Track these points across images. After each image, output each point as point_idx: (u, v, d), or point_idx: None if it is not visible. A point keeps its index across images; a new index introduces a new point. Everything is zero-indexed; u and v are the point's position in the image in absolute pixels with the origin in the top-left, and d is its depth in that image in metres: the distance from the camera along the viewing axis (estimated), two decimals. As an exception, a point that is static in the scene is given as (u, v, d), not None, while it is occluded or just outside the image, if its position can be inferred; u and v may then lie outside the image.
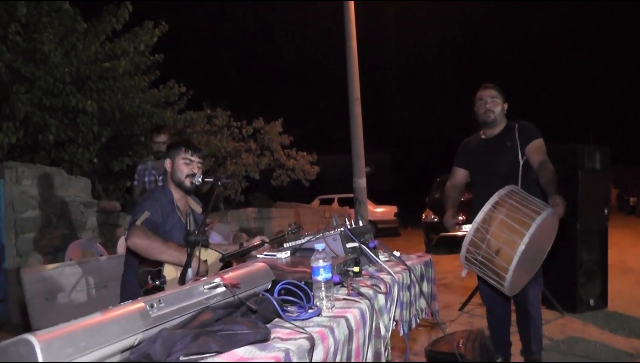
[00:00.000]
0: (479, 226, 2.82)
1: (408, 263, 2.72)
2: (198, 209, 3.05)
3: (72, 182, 6.50)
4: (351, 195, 16.12)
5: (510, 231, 2.74)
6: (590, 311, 5.16)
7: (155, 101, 7.30)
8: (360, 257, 2.51)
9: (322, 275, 1.73)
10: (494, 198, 2.85)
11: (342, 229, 2.46)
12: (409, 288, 2.52)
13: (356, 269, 2.19)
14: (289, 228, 2.99)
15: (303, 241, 2.52)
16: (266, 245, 2.90)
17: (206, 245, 2.54)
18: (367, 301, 1.83)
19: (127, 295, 2.75)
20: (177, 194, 2.86)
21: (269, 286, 1.85)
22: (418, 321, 2.70)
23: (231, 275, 1.70)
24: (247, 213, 12.11)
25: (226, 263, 2.68)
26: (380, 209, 18.54)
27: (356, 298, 1.83)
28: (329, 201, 20.59)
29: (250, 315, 1.54)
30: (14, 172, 5.84)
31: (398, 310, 2.30)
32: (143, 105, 6.91)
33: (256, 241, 2.97)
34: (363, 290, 1.99)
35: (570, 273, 5.26)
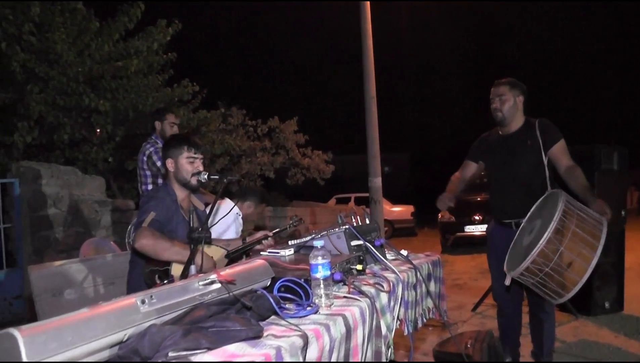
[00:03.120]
0: (552, 237, 2.64)
1: (415, 262, 2.68)
2: (201, 206, 3.04)
3: (87, 181, 6.56)
4: (368, 194, 16.08)
5: (583, 243, 2.65)
6: (605, 314, 5.05)
7: (168, 100, 7.33)
8: (366, 256, 2.50)
9: (321, 273, 1.70)
10: (561, 207, 2.67)
11: (347, 227, 2.43)
12: (414, 287, 2.47)
13: (359, 267, 2.16)
14: (291, 221, 2.97)
15: (307, 238, 2.49)
16: (270, 239, 2.90)
17: (209, 242, 2.53)
18: (367, 299, 1.80)
19: (133, 292, 2.75)
20: (181, 194, 2.85)
21: (268, 283, 1.83)
22: (425, 320, 2.66)
23: (228, 271, 1.68)
24: (262, 211, 12.15)
25: (232, 259, 2.68)
26: (397, 209, 18.44)
27: (356, 297, 1.80)
28: (346, 201, 20.53)
29: (245, 312, 1.52)
30: (29, 171, 5.91)
31: (402, 309, 2.27)
32: (156, 104, 6.94)
33: (259, 234, 2.96)
34: (365, 288, 1.96)
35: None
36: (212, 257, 2.58)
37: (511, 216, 3.26)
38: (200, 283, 1.54)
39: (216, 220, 3.90)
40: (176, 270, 2.42)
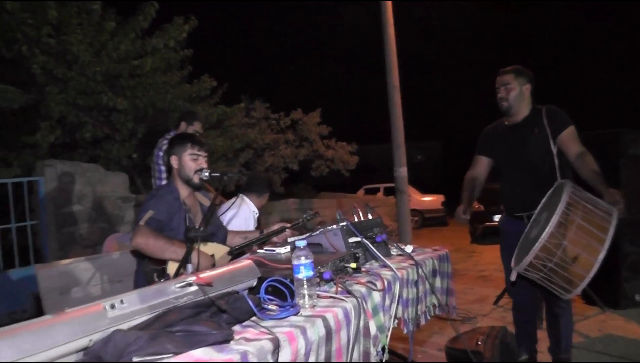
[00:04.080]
0: (554, 231, 2.54)
1: (421, 257, 2.63)
2: (207, 203, 3.03)
3: (110, 177, 6.67)
4: (399, 184, 15.91)
5: (589, 237, 2.53)
6: (635, 307, 4.86)
7: (186, 96, 7.38)
8: (366, 252, 2.45)
9: (303, 273, 1.67)
10: (565, 199, 2.56)
11: (345, 223, 2.39)
12: (416, 284, 2.41)
13: (353, 265, 2.11)
14: (305, 215, 2.93)
15: (304, 236, 2.46)
16: (287, 230, 2.87)
17: (206, 240, 2.52)
18: (354, 299, 1.76)
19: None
20: (184, 191, 2.84)
21: (254, 283, 1.81)
22: (429, 317, 2.60)
23: (209, 273, 1.67)
24: (287, 204, 12.17)
25: (238, 255, 2.66)
26: (427, 199, 18.25)
27: (342, 297, 1.76)
28: (375, 191, 20.38)
29: (221, 315, 1.50)
30: (53, 169, 6.05)
31: (400, 308, 2.22)
32: (175, 100, 7.00)
33: (275, 227, 2.93)
34: (355, 287, 1.92)
35: (612, 266, 4.98)
36: (211, 256, 2.56)
37: (522, 209, 3.15)
38: (177, 285, 1.53)
39: (234, 220, 3.91)
40: (172, 268, 2.43)
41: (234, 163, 11.90)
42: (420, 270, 2.45)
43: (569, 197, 2.57)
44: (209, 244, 2.77)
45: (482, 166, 3.47)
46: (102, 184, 6.57)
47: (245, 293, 1.69)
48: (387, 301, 2.10)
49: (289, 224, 2.87)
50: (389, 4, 10.60)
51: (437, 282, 2.71)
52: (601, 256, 2.47)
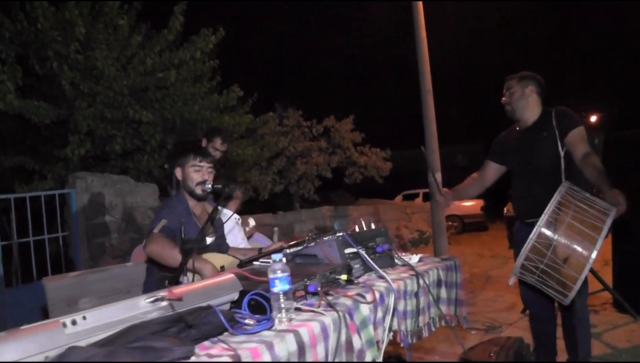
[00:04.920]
0: (542, 231, 2.51)
1: (424, 267, 2.56)
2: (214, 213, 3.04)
3: (140, 188, 6.81)
4: (441, 190, 15.71)
5: (580, 236, 2.44)
6: (672, 316, 4.60)
7: (214, 107, 7.48)
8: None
9: (278, 287, 1.64)
10: (555, 198, 2.53)
11: (341, 234, 2.35)
12: (416, 294, 2.34)
13: (344, 277, 2.06)
14: (310, 234, 2.89)
15: (299, 248, 2.43)
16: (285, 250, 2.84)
17: (203, 252, 2.53)
18: (334, 313, 1.71)
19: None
20: (192, 201, 2.87)
21: (236, 297, 1.79)
22: (433, 329, 2.51)
23: (184, 288, 1.66)
24: (322, 211, 12.14)
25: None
26: (466, 204, 17.91)
27: (322, 310, 1.72)
28: (413, 197, 20.17)
29: (190, 331, 1.48)
30: (84, 181, 6.22)
31: (396, 320, 2.15)
32: (202, 111, 7.11)
33: (275, 246, 2.93)
34: (341, 300, 1.87)
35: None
36: (222, 267, 2.56)
37: (533, 214, 3.02)
38: (147, 300, 1.53)
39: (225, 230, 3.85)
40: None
41: (267, 171, 12.01)
42: (421, 281, 2.37)
43: (560, 197, 2.50)
44: (220, 255, 2.78)
45: (489, 171, 3.42)
46: (132, 195, 6.71)
47: (218, 307, 1.67)
48: (380, 314, 2.04)
49: (286, 245, 2.84)
50: (420, 4, 10.51)
51: (443, 293, 2.62)
52: (593, 256, 2.35)
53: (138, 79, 6.38)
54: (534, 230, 2.50)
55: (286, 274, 1.65)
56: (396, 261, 2.65)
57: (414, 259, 2.76)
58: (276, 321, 1.62)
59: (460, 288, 2.82)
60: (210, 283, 1.74)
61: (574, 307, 2.97)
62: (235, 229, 3.70)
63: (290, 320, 1.63)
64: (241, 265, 2.52)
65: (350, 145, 12.90)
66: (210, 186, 2.81)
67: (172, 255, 2.43)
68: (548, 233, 2.50)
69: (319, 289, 1.87)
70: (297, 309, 1.75)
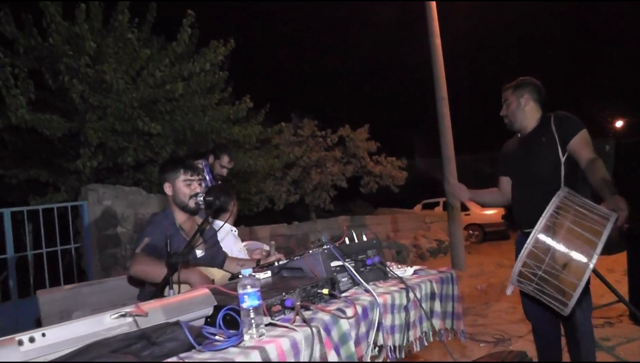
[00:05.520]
0: (540, 236, 2.42)
1: (417, 280, 2.51)
2: (209, 227, 3.04)
3: (151, 200, 6.87)
4: (459, 199, 15.50)
5: (580, 241, 2.35)
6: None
7: (224, 118, 7.51)
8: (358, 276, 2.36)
9: (247, 302, 1.60)
10: (554, 202, 2.44)
11: (326, 247, 2.30)
12: (405, 308, 2.29)
13: (325, 291, 2.02)
14: (312, 244, 2.85)
15: (285, 261, 2.40)
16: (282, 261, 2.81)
17: (187, 265, 2.51)
18: (307, 329, 1.67)
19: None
20: (181, 216, 2.87)
21: (209, 312, 1.76)
22: (425, 344, 2.45)
23: (154, 303, 1.64)
24: (338, 221, 12.09)
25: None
26: (487, 212, 17.69)
27: (294, 326, 1.68)
28: (433, 206, 19.96)
29: (153, 348, 1.46)
30: (95, 193, 6.30)
31: (382, 335, 2.10)
32: (212, 123, 7.15)
33: (272, 258, 2.90)
34: (319, 315, 1.83)
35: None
36: (212, 281, 2.54)
37: (532, 223, 2.93)
38: (112, 316, 1.51)
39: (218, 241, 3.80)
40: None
41: (282, 182, 12.03)
42: (411, 294, 2.32)
43: (559, 201, 2.41)
44: (211, 269, 2.76)
45: (504, 185, 3.32)
46: (144, 206, 6.77)
47: (191, 323, 1.65)
48: (364, 329, 2.00)
49: (283, 257, 2.81)
50: (434, 11, 10.47)
51: (437, 306, 2.55)
52: (593, 261, 2.25)
53: (147, 91, 6.45)
54: (532, 234, 2.43)
55: (255, 289, 1.61)
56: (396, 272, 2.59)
57: (408, 271, 2.70)
58: (246, 337, 1.59)
59: (458, 302, 2.74)
60: (183, 299, 1.71)
61: (575, 320, 2.88)
62: (229, 240, 3.68)
63: (260, 336, 1.60)
64: (233, 279, 2.51)
65: (365, 154, 12.84)
66: (202, 198, 2.80)
67: (157, 272, 2.42)
68: (546, 237, 2.41)
69: (297, 304, 1.83)
70: (272, 324, 1.72)
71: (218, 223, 3.82)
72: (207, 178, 4.31)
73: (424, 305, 2.45)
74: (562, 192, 2.49)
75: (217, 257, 3.03)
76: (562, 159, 2.88)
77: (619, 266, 8.80)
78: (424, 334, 2.43)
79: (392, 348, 2.17)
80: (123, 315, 1.51)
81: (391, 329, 2.19)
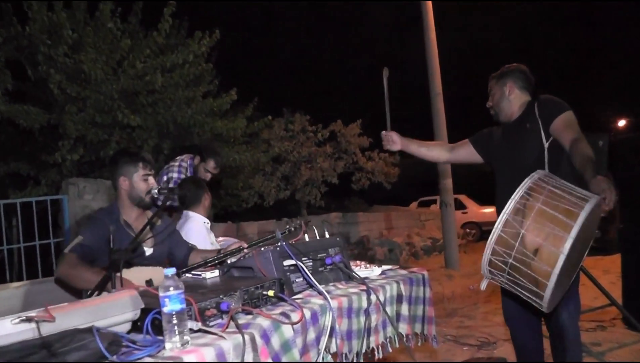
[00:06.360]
0: (509, 219, 2.21)
1: (382, 281, 2.35)
2: (158, 222, 2.88)
3: (133, 194, 6.69)
4: (457, 195, 15.22)
5: (553, 224, 2.12)
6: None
7: (207, 111, 7.34)
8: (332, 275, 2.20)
9: (168, 307, 1.44)
10: (526, 183, 2.25)
11: (279, 244, 2.14)
12: (366, 312, 2.12)
13: (271, 293, 1.86)
14: (287, 227, 2.69)
15: (234, 259, 2.24)
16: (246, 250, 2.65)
17: (129, 265, 2.35)
18: (238, 336, 1.51)
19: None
20: (132, 213, 2.72)
21: (136, 316, 1.60)
22: (389, 350, 2.28)
23: (69, 307, 1.48)
24: (330, 218, 11.92)
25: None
26: (485, 211, 17.55)
27: (221, 333, 1.51)
28: (429, 204, 19.78)
29: (56, 358, 1.30)
30: (76, 187, 6.15)
31: (335, 341, 1.94)
32: (195, 115, 6.97)
33: (233, 246, 2.73)
34: (257, 320, 1.67)
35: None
36: (149, 280, 2.37)
37: None
38: (13, 321, 1.35)
39: (189, 235, 3.64)
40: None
41: (272, 177, 11.84)
42: (373, 297, 2.15)
43: (532, 181, 2.21)
44: (151, 268, 2.60)
45: (463, 149, 3.16)
46: (126, 201, 6.59)
47: (113, 328, 1.49)
48: (313, 335, 1.84)
49: (246, 245, 2.65)
50: (430, 4, 10.28)
51: (404, 310, 2.39)
52: (567, 245, 2.03)
53: (127, 82, 6.28)
54: (499, 217, 2.21)
55: (179, 292, 1.45)
56: (363, 272, 2.43)
57: (375, 271, 2.54)
58: (168, 345, 1.43)
59: (430, 304, 2.58)
60: (103, 301, 1.55)
61: (562, 321, 2.71)
62: (202, 233, 3.54)
63: (184, 344, 1.44)
64: (178, 275, 2.34)
65: (357, 150, 12.64)
66: (157, 191, 2.66)
67: (83, 277, 2.26)
68: (515, 220, 2.20)
69: (232, 307, 1.67)
70: (204, 331, 1.56)
71: (190, 214, 3.68)
72: (188, 173, 4.14)
73: (389, 308, 2.29)
74: (537, 174, 2.30)
75: (175, 252, 2.87)
76: (546, 145, 2.70)
77: (616, 268, 8.64)
78: (387, 340, 2.27)
79: (346, 356, 2.01)
80: (26, 320, 1.34)
81: (347, 335, 2.03)
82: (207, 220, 3.72)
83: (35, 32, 5.93)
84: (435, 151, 3.24)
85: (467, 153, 3.14)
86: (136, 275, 2.39)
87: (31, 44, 6.18)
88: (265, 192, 11.49)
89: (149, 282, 2.37)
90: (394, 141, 3.12)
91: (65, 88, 5.93)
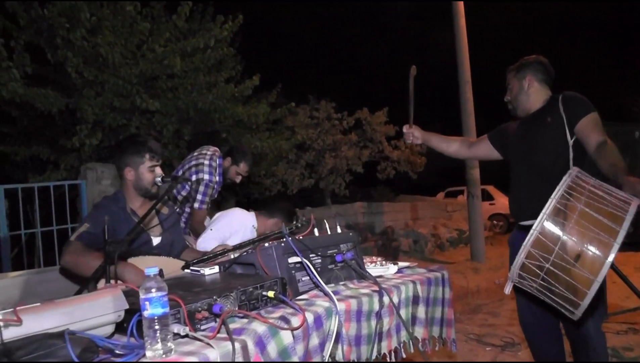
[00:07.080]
0: (549, 220, 2.00)
1: (397, 281, 2.17)
2: (164, 209, 2.75)
3: (152, 179, 6.62)
4: (485, 186, 14.85)
5: (597, 228, 1.92)
6: None
7: (229, 96, 7.19)
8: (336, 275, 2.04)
9: (149, 310, 1.29)
10: (565, 181, 2.04)
11: (283, 240, 1.97)
12: (377, 315, 1.95)
13: (270, 294, 1.69)
14: (294, 222, 2.52)
15: (236, 255, 2.08)
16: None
17: (127, 255, 2.22)
18: (229, 343, 1.35)
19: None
20: (137, 202, 2.60)
21: (120, 317, 1.46)
22: (403, 356, 2.11)
23: (41, 307, 1.34)
24: (354, 207, 11.72)
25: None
26: (513, 203, 17.04)
27: (209, 340, 1.36)
28: (456, 194, 19.40)
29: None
30: (94, 173, 6.08)
31: (341, 347, 1.77)
32: (216, 101, 6.84)
33: (219, 248, 2.61)
34: (252, 325, 1.51)
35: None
36: (137, 270, 2.23)
37: (531, 215, 2.51)
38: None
39: (233, 230, 3.55)
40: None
41: (295, 165, 11.69)
42: (386, 298, 1.98)
43: (571, 180, 2.01)
44: (160, 258, 2.47)
45: (482, 146, 3.08)
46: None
47: (92, 331, 1.36)
48: (317, 341, 1.67)
49: (230, 247, 2.49)
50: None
51: (421, 312, 2.20)
52: (612, 252, 1.84)
53: (146, 66, 6.17)
54: (539, 218, 1.99)
55: (162, 294, 1.30)
56: (375, 270, 2.25)
57: (390, 269, 2.36)
58: (149, 354, 1.28)
59: (449, 306, 2.40)
60: (83, 301, 1.41)
61: (588, 333, 2.49)
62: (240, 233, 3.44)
63: (166, 352, 1.29)
64: (185, 268, 2.19)
65: (383, 139, 12.39)
66: (160, 179, 2.54)
67: (89, 264, 2.13)
68: (556, 222, 1.98)
69: (225, 310, 1.50)
70: (192, 337, 1.41)
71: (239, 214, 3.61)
72: (218, 179, 3.96)
73: (403, 310, 2.12)
74: (574, 171, 2.09)
75: (176, 246, 2.74)
76: (571, 142, 2.53)
77: (632, 260, 8.28)
78: (401, 345, 2.09)
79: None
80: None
81: (356, 340, 1.86)
82: (256, 225, 3.61)
83: (54, 15, 5.85)
84: (454, 147, 3.18)
85: (485, 149, 3.05)
86: (150, 263, 2.26)
87: (50, 27, 6.11)
88: (288, 180, 11.35)
89: (161, 272, 2.23)
90: (416, 136, 3.11)
91: (82, 72, 5.84)
